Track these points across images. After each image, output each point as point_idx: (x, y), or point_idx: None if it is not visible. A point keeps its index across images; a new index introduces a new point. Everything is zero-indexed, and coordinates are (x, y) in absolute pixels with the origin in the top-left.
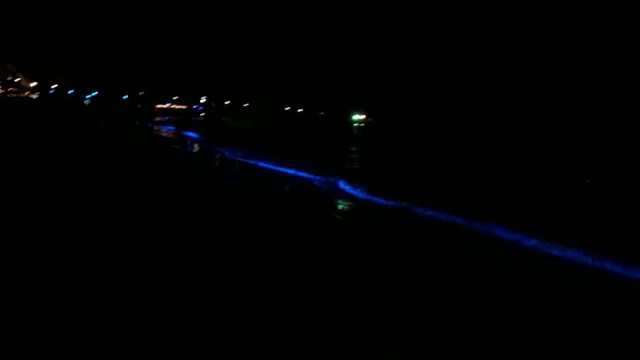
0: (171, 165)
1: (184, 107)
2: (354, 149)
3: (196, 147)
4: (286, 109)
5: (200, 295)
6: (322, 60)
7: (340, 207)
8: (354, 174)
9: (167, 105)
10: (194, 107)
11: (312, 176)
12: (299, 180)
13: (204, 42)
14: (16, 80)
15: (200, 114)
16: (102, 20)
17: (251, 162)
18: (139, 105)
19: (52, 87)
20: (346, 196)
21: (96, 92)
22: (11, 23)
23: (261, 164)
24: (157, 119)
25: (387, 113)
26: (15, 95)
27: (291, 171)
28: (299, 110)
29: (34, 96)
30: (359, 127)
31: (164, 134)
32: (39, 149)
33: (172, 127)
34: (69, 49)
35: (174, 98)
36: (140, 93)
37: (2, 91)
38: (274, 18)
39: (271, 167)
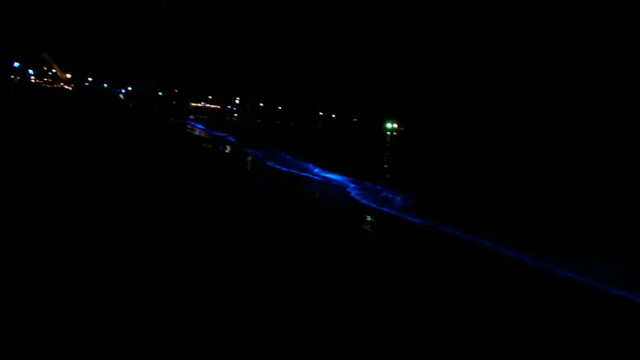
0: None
1: (218, 106)
2: (386, 160)
3: (228, 149)
4: (320, 114)
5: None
6: (357, 66)
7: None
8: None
9: (201, 104)
10: (228, 107)
11: (343, 181)
12: (329, 188)
13: (242, 44)
14: (51, 71)
15: (234, 115)
16: (140, 17)
17: (284, 169)
18: (173, 102)
19: (88, 80)
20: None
21: (130, 88)
22: (50, 13)
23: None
24: (191, 116)
25: (420, 122)
26: (50, 85)
27: (332, 176)
28: (332, 116)
29: (68, 88)
30: (391, 135)
31: (196, 132)
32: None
33: (202, 126)
34: (106, 43)
35: (209, 97)
36: (175, 90)
37: (38, 81)
38: (311, 25)
39: (311, 176)
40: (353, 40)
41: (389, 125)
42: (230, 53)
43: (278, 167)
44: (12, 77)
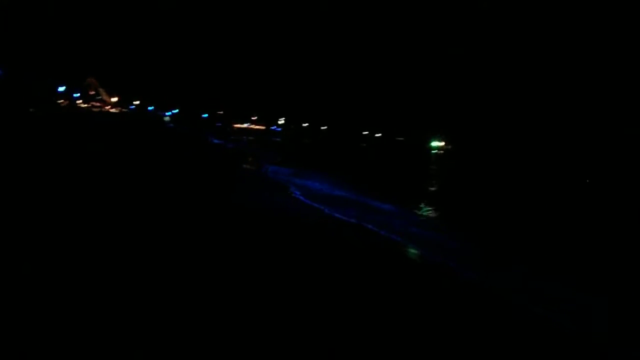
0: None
1: (262, 127)
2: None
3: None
4: (364, 133)
5: None
6: (402, 84)
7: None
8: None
9: (245, 125)
10: (272, 128)
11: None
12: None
13: (286, 65)
14: (98, 95)
15: (277, 137)
16: (184, 40)
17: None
18: (218, 124)
19: (134, 103)
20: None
21: (176, 110)
22: (95, 39)
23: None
24: (233, 137)
25: (467, 140)
26: (98, 109)
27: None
28: (377, 135)
29: (114, 111)
30: (437, 153)
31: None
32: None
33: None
34: (150, 67)
35: (253, 118)
36: (219, 112)
37: (87, 105)
38: (356, 45)
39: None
40: (398, 61)
41: (434, 143)
42: (275, 73)
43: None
44: (61, 101)
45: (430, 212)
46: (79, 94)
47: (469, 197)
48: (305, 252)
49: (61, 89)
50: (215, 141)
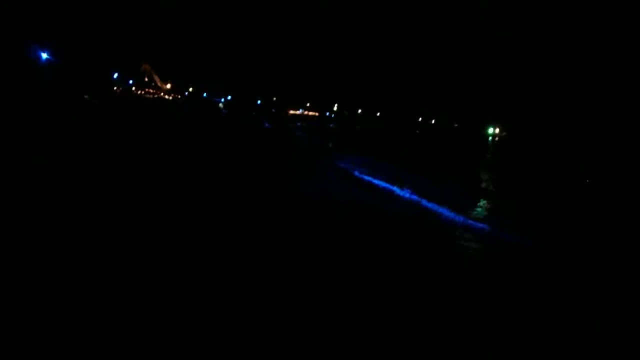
0: None
1: (316, 113)
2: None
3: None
4: (419, 119)
5: None
6: (456, 69)
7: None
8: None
9: (299, 112)
10: (327, 114)
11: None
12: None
13: (340, 49)
14: (152, 81)
15: (331, 123)
16: (238, 26)
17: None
18: (273, 110)
19: (188, 89)
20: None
21: (230, 97)
22: (149, 25)
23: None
24: (290, 124)
25: (524, 127)
26: (152, 96)
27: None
28: (432, 122)
29: (168, 97)
30: (493, 140)
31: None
32: None
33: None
34: (204, 53)
35: (307, 105)
36: (273, 99)
37: (139, 92)
38: (411, 30)
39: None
40: (451, 46)
41: (490, 130)
42: (329, 59)
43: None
44: (115, 87)
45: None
46: (132, 81)
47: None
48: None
49: (115, 75)
50: (267, 125)
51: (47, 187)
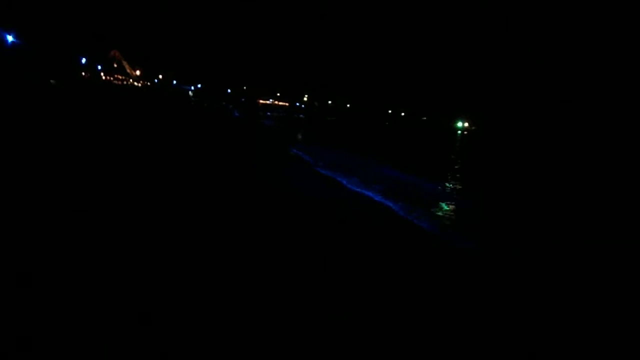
0: None
1: (286, 103)
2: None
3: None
4: (388, 111)
5: None
6: (426, 63)
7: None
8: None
9: (269, 101)
10: (296, 104)
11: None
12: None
13: (311, 39)
14: (121, 68)
15: (300, 114)
16: (210, 15)
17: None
18: (242, 100)
19: (158, 77)
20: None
21: (199, 85)
22: (119, 11)
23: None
24: (260, 113)
25: (493, 121)
26: (120, 82)
27: None
28: (402, 114)
29: (137, 84)
30: (462, 134)
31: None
32: None
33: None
34: (174, 41)
35: (277, 95)
36: (244, 88)
37: (107, 78)
38: (381, 22)
39: None
40: (421, 37)
41: (459, 124)
42: (299, 48)
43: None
44: (83, 73)
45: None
46: (101, 67)
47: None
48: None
49: (83, 60)
50: (236, 114)
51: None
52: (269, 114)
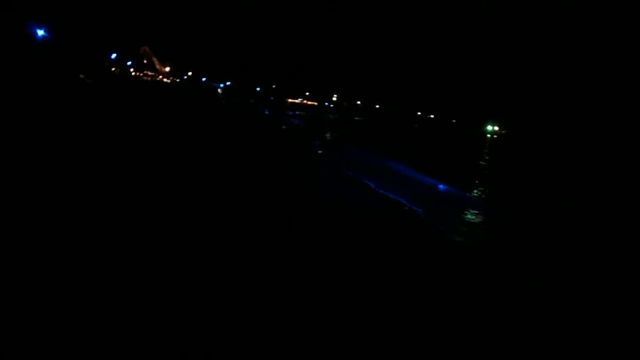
0: None
1: (315, 103)
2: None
3: None
4: (417, 113)
5: None
6: (457, 66)
7: None
8: None
9: (298, 100)
10: (325, 104)
11: None
12: None
13: (342, 39)
14: (151, 64)
15: (330, 113)
16: (240, 13)
17: None
18: (271, 98)
19: (187, 74)
20: None
21: (229, 82)
22: (150, 6)
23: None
24: (289, 112)
25: (523, 125)
26: (150, 78)
27: None
28: (430, 116)
29: (167, 80)
30: (492, 138)
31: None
32: None
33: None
34: (204, 38)
35: (306, 94)
36: (273, 86)
37: (136, 74)
38: (415, 23)
39: None
40: (453, 40)
41: (489, 127)
42: (329, 47)
43: None
44: (113, 68)
45: None
46: (130, 62)
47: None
48: None
49: (113, 56)
50: (267, 113)
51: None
52: (297, 113)
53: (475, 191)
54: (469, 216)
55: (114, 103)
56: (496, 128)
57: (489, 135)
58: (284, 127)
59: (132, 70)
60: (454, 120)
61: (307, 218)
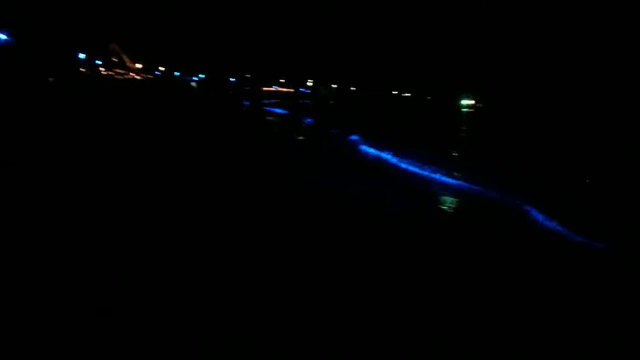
0: None
1: (291, 90)
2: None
3: None
4: (393, 92)
5: None
6: (430, 42)
7: None
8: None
9: (273, 88)
10: (301, 90)
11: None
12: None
13: (312, 24)
14: (121, 61)
15: (306, 99)
16: (209, 5)
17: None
18: (247, 88)
19: (159, 69)
20: None
21: (202, 75)
22: (116, 3)
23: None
24: (265, 101)
25: (499, 99)
26: (120, 76)
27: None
28: (405, 95)
29: (139, 77)
30: (468, 112)
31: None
32: None
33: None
34: (175, 32)
35: (281, 81)
36: (247, 76)
37: (107, 73)
38: (383, 2)
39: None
40: (423, 18)
41: (464, 102)
42: (301, 34)
43: None
44: (82, 69)
45: None
46: (100, 61)
47: None
48: None
49: (82, 56)
50: (247, 103)
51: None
52: (273, 101)
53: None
54: None
55: (87, 104)
56: (472, 102)
57: (463, 109)
58: (268, 117)
59: (101, 69)
60: (428, 97)
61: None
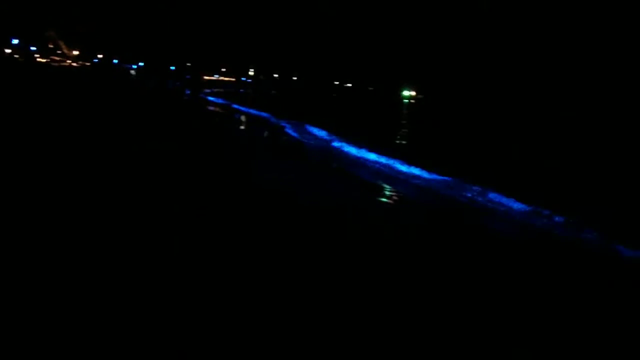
0: None
1: (232, 79)
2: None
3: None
4: (335, 82)
5: None
6: (371, 33)
7: None
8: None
9: (215, 77)
10: (242, 79)
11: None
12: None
13: (254, 14)
14: (57, 48)
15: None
16: None
17: None
18: (187, 77)
19: (98, 56)
20: None
21: (142, 63)
22: None
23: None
24: (206, 90)
25: (438, 90)
26: (56, 63)
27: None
28: (347, 85)
29: (75, 64)
30: (408, 103)
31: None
32: None
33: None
34: (111, 16)
35: (222, 70)
36: (187, 64)
37: (45, 59)
38: None
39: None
40: (364, 7)
41: (406, 93)
42: (244, 23)
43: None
44: (16, 56)
45: None
46: (35, 48)
47: None
48: None
49: (15, 41)
50: (188, 93)
51: None
52: (214, 90)
53: None
54: None
55: (12, 92)
56: (413, 93)
57: (405, 100)
58: (210, 107)
59: (36, 55)
60: (370, 88)
61: None
